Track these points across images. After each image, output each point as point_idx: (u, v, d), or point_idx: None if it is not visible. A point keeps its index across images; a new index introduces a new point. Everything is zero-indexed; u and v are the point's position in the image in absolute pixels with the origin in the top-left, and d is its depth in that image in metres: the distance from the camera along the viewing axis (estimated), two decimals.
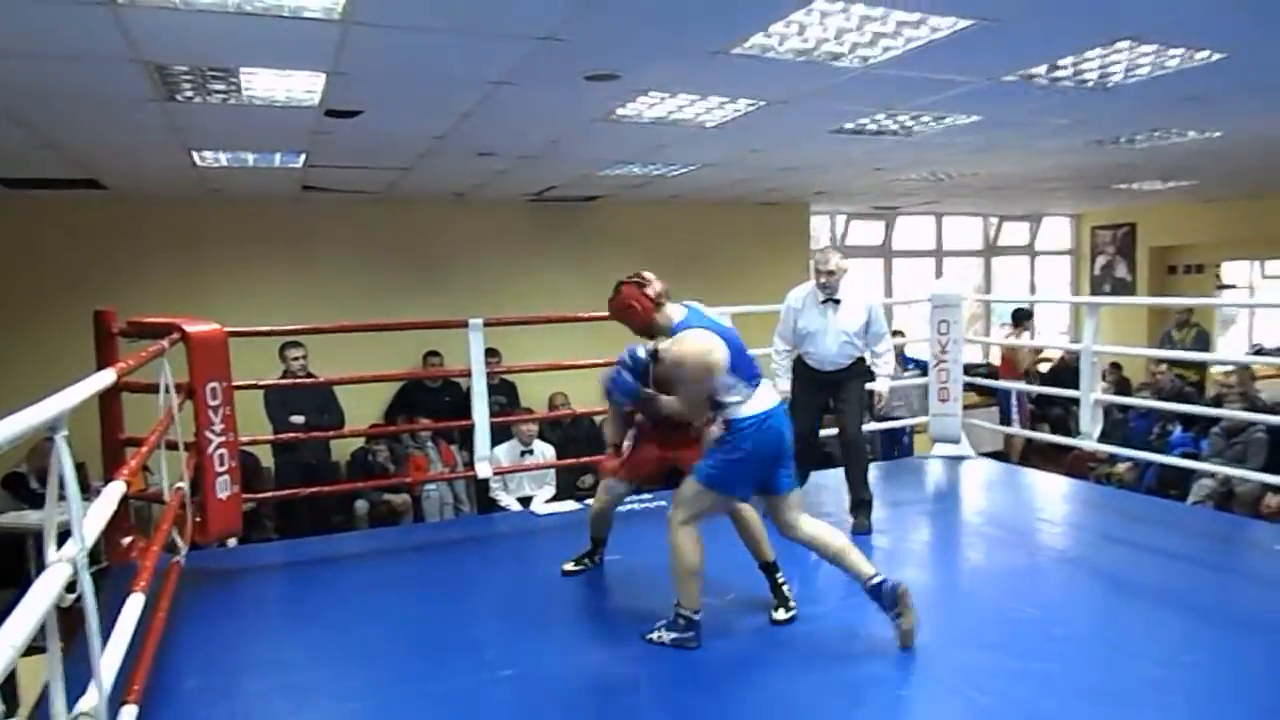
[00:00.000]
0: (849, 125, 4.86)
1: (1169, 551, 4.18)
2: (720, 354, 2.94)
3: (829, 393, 4.52)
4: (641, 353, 3.24)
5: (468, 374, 4.97)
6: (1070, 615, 3.41)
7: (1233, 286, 10.87)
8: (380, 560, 4.43)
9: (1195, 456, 6.19)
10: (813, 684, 2.86)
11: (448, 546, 4.66)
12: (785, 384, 4.56)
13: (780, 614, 3.27)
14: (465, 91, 3.89)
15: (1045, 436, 7.70)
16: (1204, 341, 8.68)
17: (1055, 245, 11.60)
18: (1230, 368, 6.96)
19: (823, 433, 4.88)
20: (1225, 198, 9.23)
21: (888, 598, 2.95)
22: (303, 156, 5.33)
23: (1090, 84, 3.94)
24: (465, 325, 4.86)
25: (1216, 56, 3.52)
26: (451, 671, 3.03)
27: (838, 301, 4.43)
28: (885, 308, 5.39)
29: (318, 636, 3.42)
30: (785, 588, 3.31)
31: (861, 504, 4.44)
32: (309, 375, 5.93)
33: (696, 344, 2.97)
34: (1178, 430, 6.72)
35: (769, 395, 3.08)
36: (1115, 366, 8.72)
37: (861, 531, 4.32)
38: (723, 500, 3.12)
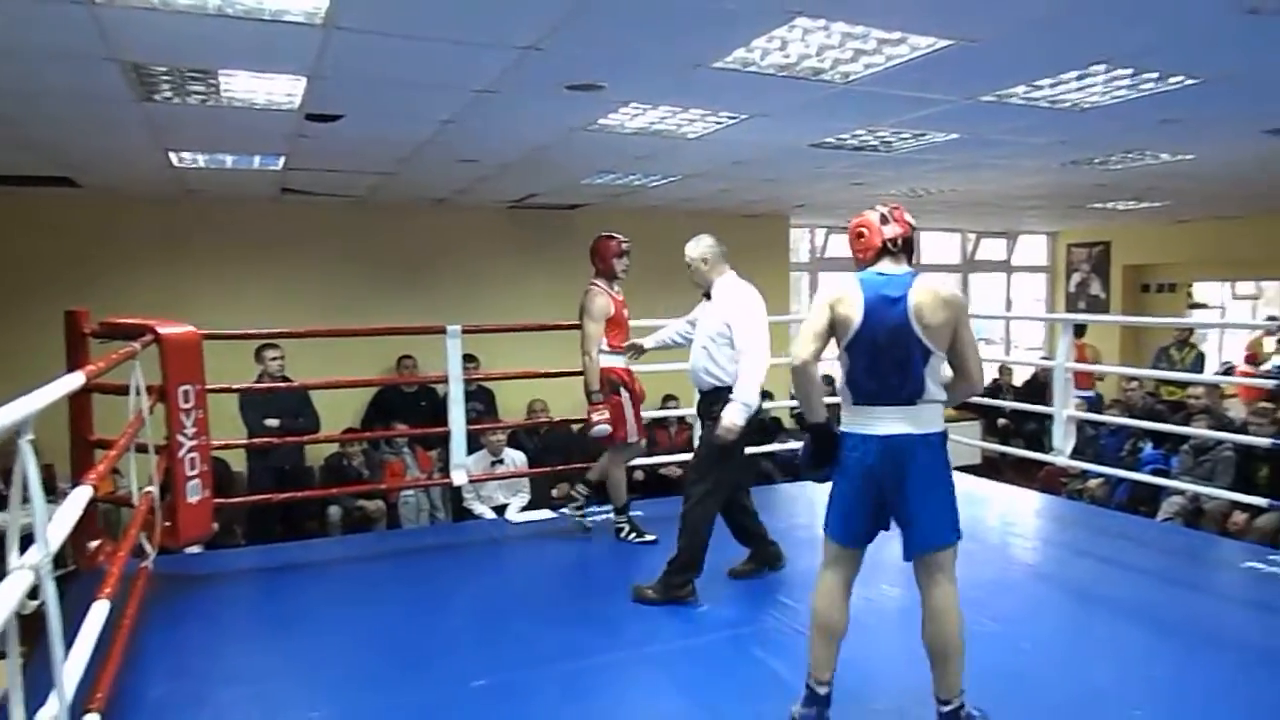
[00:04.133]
0: (830, 140, 4.90)
1: (1137, 567, 4.23)
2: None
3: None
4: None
5: (445, 380, 4.95)
6: (1037, 629, 3.45)
7: (1204, 306, 11.04)
8: (353, 567, 4.40)
9: (1165, 474, 6.26)
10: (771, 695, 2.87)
11: (422, 554, 4.63)
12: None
13: None
14: (448, 99, 3.89)
15: (1018, 452, 7.76)
16: (1201, 363, 8.77)
17: (1031, 261, 11.73)
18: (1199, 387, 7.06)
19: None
20: (1197, 218, 9.38)
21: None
22: (282, 159, 5.30)
23: (1066, 106, 4.00)
24: (443, 331, 4.85)
25: (1189, 81, 3.58)
26: (424, 681, 3.02)
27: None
28: None
29: (289, 644, 3.39)
30: None
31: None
32: (285, 378, 5.88)
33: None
34: (1148, 448, 6.80)
35: (853, 414, 2.63)
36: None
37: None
38: None
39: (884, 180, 6.43)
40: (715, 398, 3.57)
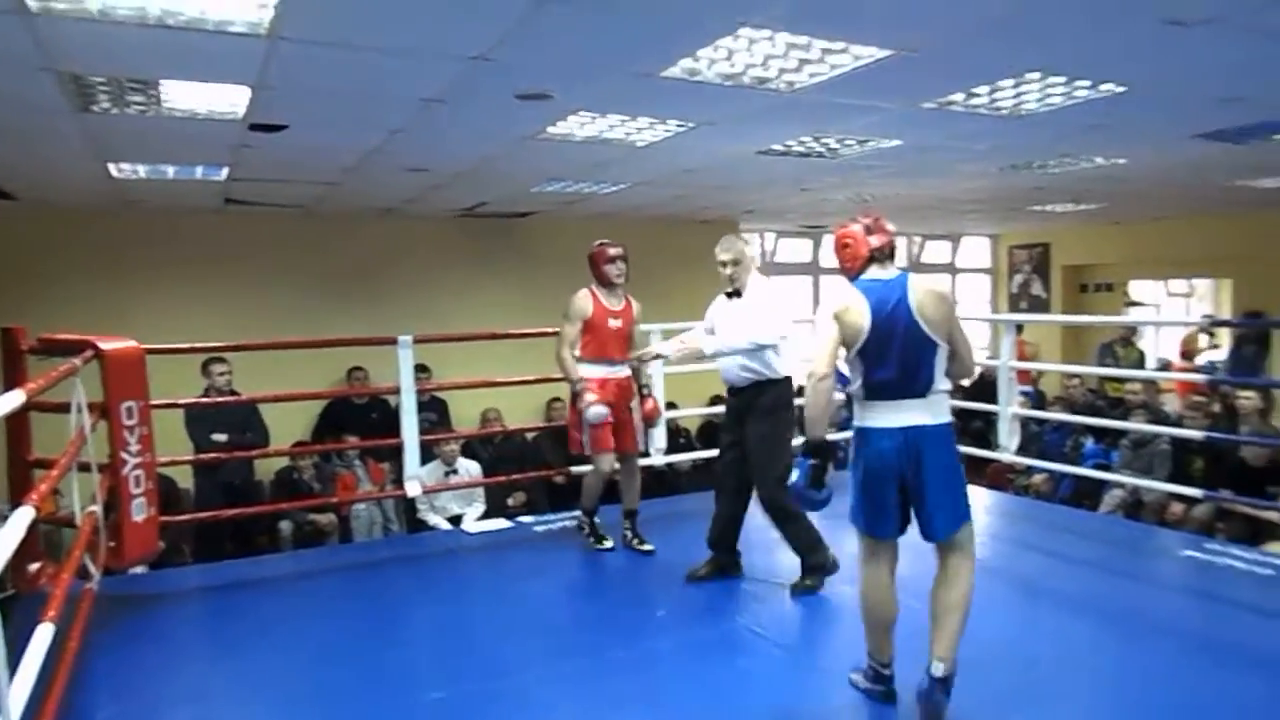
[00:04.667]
0: (777, 147, 4.97)
1: (1081, 559, 4.35)
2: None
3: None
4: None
5: (397, 390, 4.91)
6: (985, 622, 3.53)
7: (1140, 304, 11.39)
8: (306, 582, 4.33)
9: (1106, 468, 6.45)
10: (723, 677, 2.90)
11: (376, 567, 4.58)
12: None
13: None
14: (396, 109, 3.87)
15: (966, 449, 7.92)
16: (1143, 361, 9.03)
17: (975, 263, 12.00)
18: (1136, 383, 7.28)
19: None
20: (1131, 220, 9.68)
21: (934, 685, 2.61)
22: (225, 170, 5.21)
23: (1004, 112, 4.11)
24: (395, 342, 4.81)
25: (1118, 89, 3.71)
26: (380, 695, 2.98)
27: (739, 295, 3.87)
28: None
29: (240, 663, 3.33)
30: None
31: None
32: (233, 392, 5.78)
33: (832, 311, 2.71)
34: (1090, 443, 6.99)
35: (878, 412, 2.71)
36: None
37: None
38: None
39: (830, 185, 6.53)
40: (758, 391, 3.73)
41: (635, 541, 4.45)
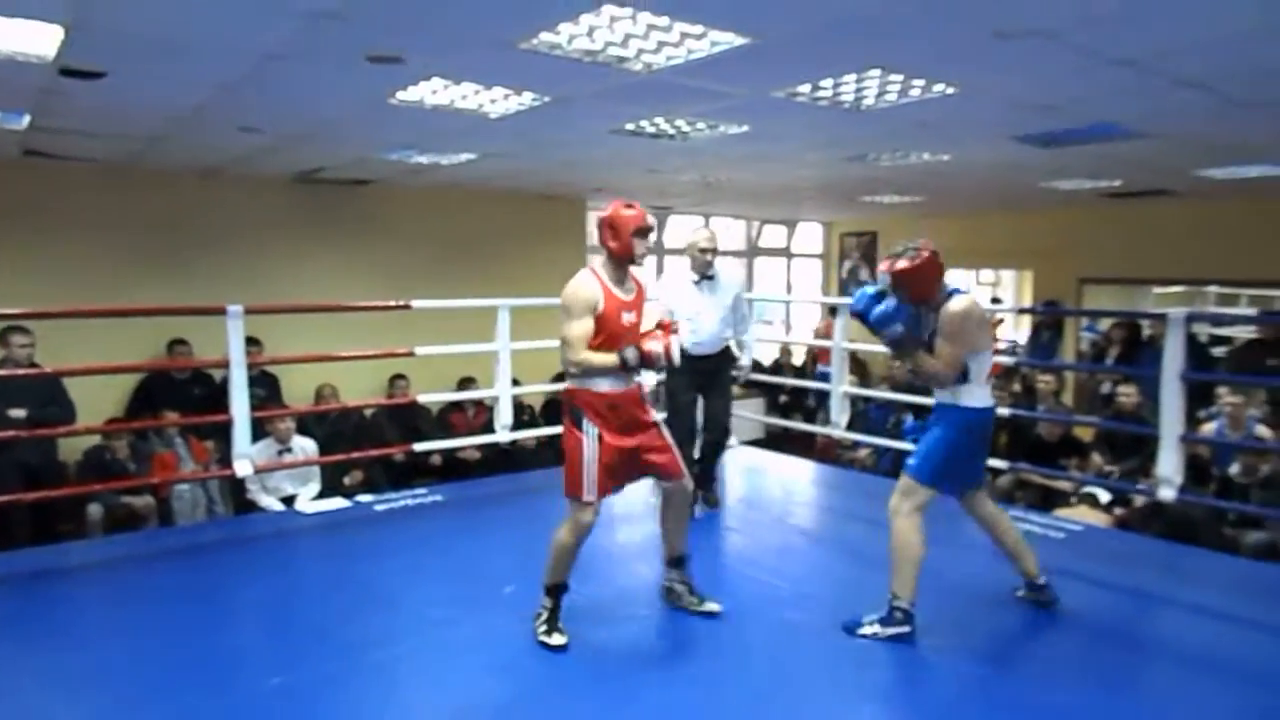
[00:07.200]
0: (629, 126, 5.00)
1: None
2: (989, 324, 3.31)
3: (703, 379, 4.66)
4: (902, 308, 3.25)
5: (224, 364, 4.62)
6: (820, 587, 3.76)
7: None
8: (122, 569, 4.03)
9: None
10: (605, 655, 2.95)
11: (202, 551, 4.32)
12: None
13: (711, 605, 3.43)
14: (230, 62, 3.61)
15: (799, 425, 8.35)
16: None
17: (809, 249, 12.55)
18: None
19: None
20: (949, 213, 10.41)
21: (1046, 591, 3.46)
22: (27, 118, 4.70)
23: (846, 105, 4.32)
24: (223, 313, 4.52)
25: (950, 90, 3.97)
26: (213, 686, 2.84)
27: (713, 279, 4.61)
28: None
29: (51, 657, 3.07)
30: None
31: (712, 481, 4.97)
32: (34, 364, 5.24)
33: (982, 309, 3.25)
34: (910, 419, 7.50)
35: (990, 394, 3.33)
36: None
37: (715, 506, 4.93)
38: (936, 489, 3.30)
39: (679, 167, 6.64)
40: (724, 356, 4.72)
41: (693, 601, 3.43)
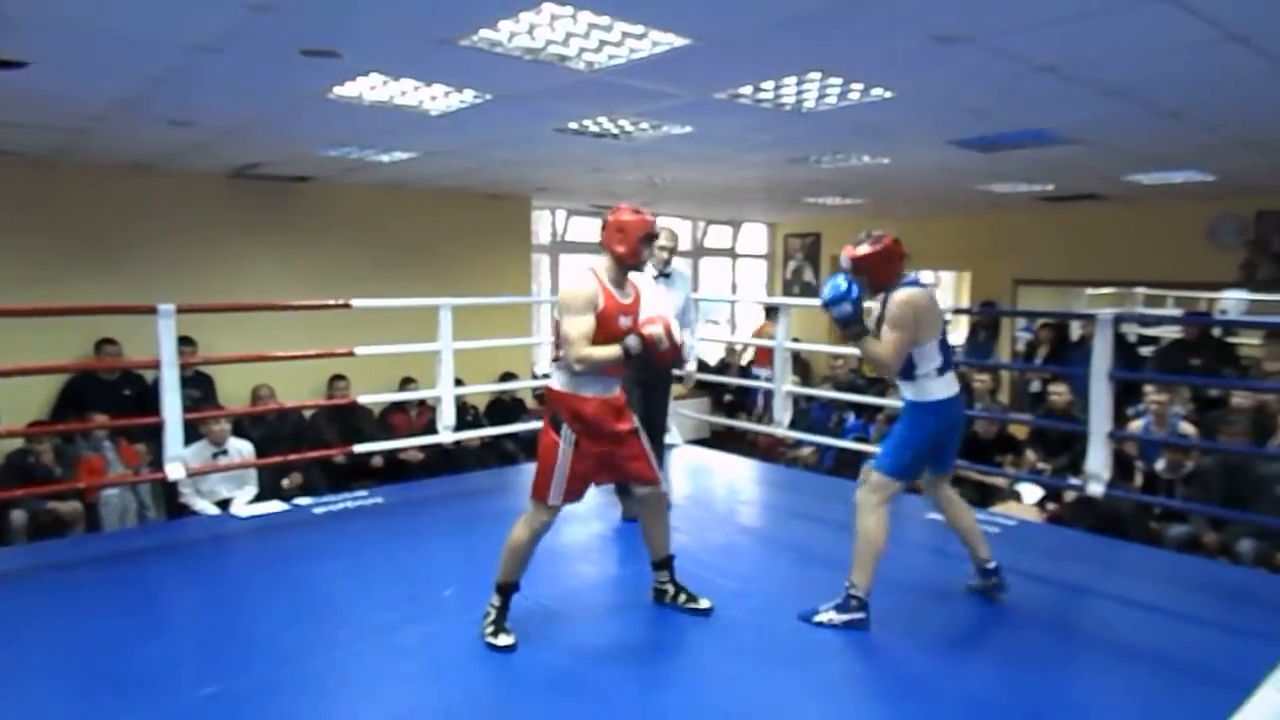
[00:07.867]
0: (572, 125, 4.98)
1: (841, 524, 4.69)
2: (940, 318, 3.34)
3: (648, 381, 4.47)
4: (856, 290, 3.30)
5: (154, 365, 4.49)
6: (765, 585, 3.79)
7: None
8: (46, 577, 3.89)
9: (865, 440, 7.05)
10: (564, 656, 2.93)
11: (132, 557, 4.19)
12: None
13: (702, 603, 3.44)
14: (162, 53, 3.50)
15: (743, 424, 8.41)
16: None
17: (753, 249, 12.66)
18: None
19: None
20: (891, 215, 10.58)
21: (995, 576, 3.54)
22: None
23: (787, 107, 4.36)
24: (154, 312, 4.39)
25: (888, 94, 4.04)
26: (143, 697, 2.75)
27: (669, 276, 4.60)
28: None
29: None
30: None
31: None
32: None
33: (930, 298, 3.30)
34: (851, 418, 7.62)
35: (954, 384, 3.38)
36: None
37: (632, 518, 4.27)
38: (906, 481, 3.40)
39: (623, 167, 6.64)
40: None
41: (684, 599, 3.46)
